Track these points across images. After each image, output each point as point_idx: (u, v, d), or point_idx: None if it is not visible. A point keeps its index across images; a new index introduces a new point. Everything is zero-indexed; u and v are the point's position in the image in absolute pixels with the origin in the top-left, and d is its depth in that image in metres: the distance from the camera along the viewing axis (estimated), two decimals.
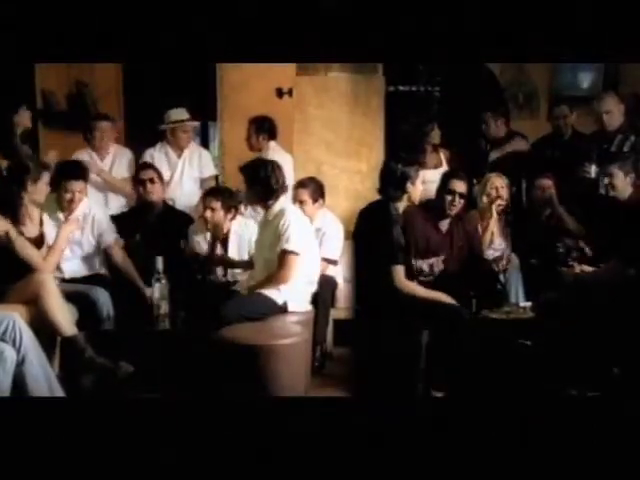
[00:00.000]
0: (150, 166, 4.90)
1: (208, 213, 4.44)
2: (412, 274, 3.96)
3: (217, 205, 4.42)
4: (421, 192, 4.10)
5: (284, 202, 4.05)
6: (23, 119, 4.90)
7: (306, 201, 4.53)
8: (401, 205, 3.95)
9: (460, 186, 4.22)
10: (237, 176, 5.20)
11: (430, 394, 3.76)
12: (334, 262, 4.61)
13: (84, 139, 5.18)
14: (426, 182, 4.78)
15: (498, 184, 4.73)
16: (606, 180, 4.19)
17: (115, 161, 5.18)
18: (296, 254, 3.85)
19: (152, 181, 4.71)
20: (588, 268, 4.02)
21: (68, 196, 4.30)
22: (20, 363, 3.17)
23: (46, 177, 3.97)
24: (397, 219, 3.88)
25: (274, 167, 4.03)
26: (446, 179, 4.30)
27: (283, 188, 4.05)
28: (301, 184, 4.62)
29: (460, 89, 6.22)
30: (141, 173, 4.78)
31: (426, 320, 3.82)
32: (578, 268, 4.02)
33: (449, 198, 4.16)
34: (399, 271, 3.83)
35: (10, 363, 3.12)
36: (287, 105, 5.53)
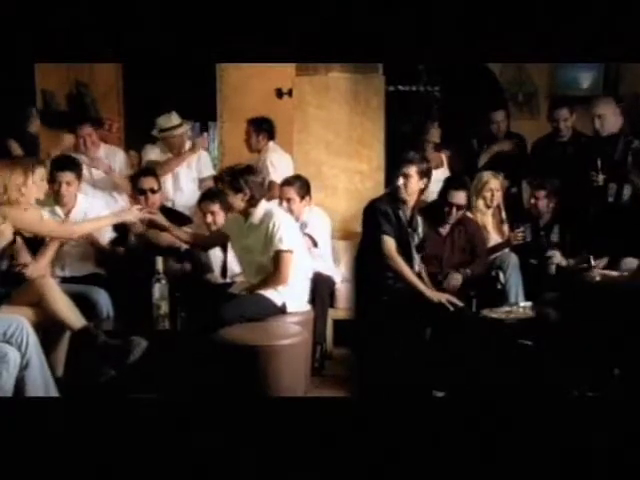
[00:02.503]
0: (150, 173, 4.76)
1: (209, 218, 4.36)
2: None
3: (216, 207, 4.35)
4: (421, 190, 4.07)
5: (265, 204, 4.01)
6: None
7: (293, 199, 4.50)
8: (399, 198, 3.95)
9: (459, 197, 4.22)
10: None
11: (430, 394, 3.76)
12: (315, 243, 4.57)
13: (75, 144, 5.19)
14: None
15: (494, 186, 4.72)
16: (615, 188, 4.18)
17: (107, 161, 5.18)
18: (291, 252, 3.86)
19: (153, 191, 4.61)
20: (611, 273, 3.90)
21: (55, 187, 4.30)
22: (23, 367, 3.17)
23: (40, 173, 3.96)
24: (394, 202, 3.90)
25: (249, 173, 3.96)
26: (446, 189, 4.29)
27: (261, 192, 4.01)
28: (287, 182, 4.60)
29: (460, 89, 6.22)
30: (141, 181, 4.63)
31: (427, 320, 3.83)
32: (599, 273, 3.87)
33: (446, 209, 4.18)
34: (388, 241, 3.81)
35: (13, 365, 3.12)
36: (287, 105, 5.52)
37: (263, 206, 3.97)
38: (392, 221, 3.84)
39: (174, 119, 5.28)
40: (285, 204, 4.48)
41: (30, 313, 3.42)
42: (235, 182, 3.89)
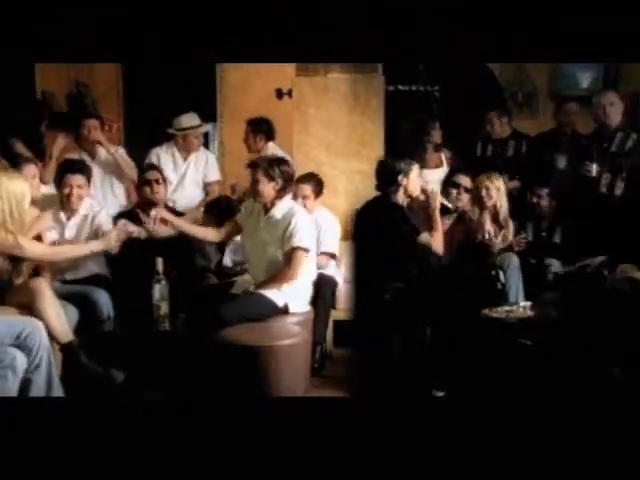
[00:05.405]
0: (154, 167, 4.86)
1: None
2: None
3: None
4: (418, 186, 4.09)
5: (289, 200, 4.03)
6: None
7: (309, 196, 4.55)
8: (399, 198, 3.98)
9: (465, 180, 4.35)
10: (237, 177, 5.20)
11: (430, 394, 3.76)
12: (333, 256, 4.60)
13: (75, 140, 5.19)
14: (427, 182, 4.80)
15: (492, 186, 4.73)
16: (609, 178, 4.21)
17: (108, 159, 5.18)
18: (307, 251, 3.87)
19: (157, 182, 4.64)
20: None
21: (66, 191, 4.27)
22: (32, 370, 3.15)
23: (30, 170, 3.90)
24: (400, 208, 3.95)
25: (285, 164, 3.99)
26: (451, 174, 4.46)
27: (291, 185, 4.04)
28: (304, 179, 4.62)
29: (460, 89, 6.22)
30: (147, 174, 4.70)
31: (427, 319, 3.83)
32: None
33: (454, 192, 4.25)
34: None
35: (21, 370, 3.11)
36: (287, 106, 5.53)
37: (287, 201, 3.98)
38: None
39: (196, 119, 5.32)
40: (300, 200, 4.47)
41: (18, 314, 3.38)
42: (271, 170, 3.89)
